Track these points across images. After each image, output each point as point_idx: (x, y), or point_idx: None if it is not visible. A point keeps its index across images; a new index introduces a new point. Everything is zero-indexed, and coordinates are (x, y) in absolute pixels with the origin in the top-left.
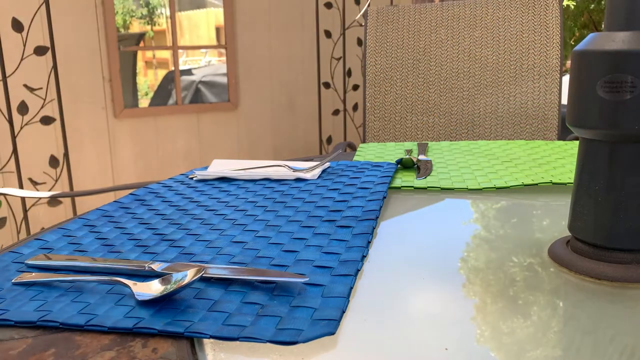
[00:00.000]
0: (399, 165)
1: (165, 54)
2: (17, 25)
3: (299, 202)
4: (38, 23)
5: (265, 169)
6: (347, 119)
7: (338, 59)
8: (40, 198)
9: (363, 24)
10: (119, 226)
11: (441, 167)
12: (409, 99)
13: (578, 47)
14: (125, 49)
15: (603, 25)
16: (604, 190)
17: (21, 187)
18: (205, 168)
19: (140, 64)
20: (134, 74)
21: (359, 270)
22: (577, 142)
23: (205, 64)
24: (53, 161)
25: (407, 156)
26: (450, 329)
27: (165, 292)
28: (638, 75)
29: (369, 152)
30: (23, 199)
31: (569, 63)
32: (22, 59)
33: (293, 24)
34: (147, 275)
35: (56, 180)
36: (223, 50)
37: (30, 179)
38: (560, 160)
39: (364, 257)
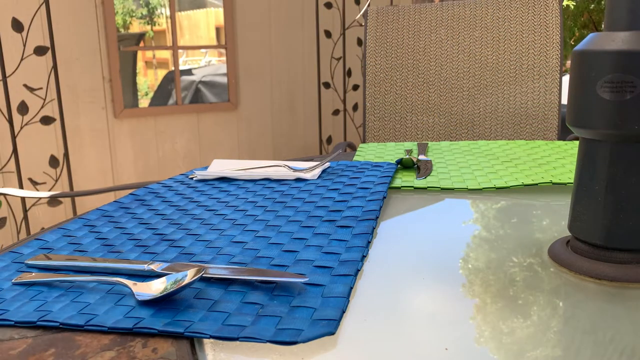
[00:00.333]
0: (399, 165)
1: (165, 54)
2: (17, 25)
3: (299, 202)
4: (38, 23)
5: (265, 169)
6: (347, 119)
7: (338, 59)
8: (40, 198)
9: (363, 24)
10: (119, 226)
11: (441, 167)
12: (409, 99)
13: (578, 47)
14: (125, 49)
15: (603, 25)
16: (604, 190)
17: (21, 187)
18: (205, 168)
19: (140, 64)
20: (134, 74)
21: (359, 270)
22: (577, 142)
23: (205, 64)
24: (53, 161)
25: (407, 156)
26: (450, 329)
27: (165, 292)
28: (638, 75)
29: (369, 152)
30: (23, 199)
31: (569, 63)
32: (22, 59)
33: (293, 24)
34: (147, 275)
35: (56, 180)
36: (223, 50)
37: (30, 179)
38: (560, 160)
39: (364, 257)
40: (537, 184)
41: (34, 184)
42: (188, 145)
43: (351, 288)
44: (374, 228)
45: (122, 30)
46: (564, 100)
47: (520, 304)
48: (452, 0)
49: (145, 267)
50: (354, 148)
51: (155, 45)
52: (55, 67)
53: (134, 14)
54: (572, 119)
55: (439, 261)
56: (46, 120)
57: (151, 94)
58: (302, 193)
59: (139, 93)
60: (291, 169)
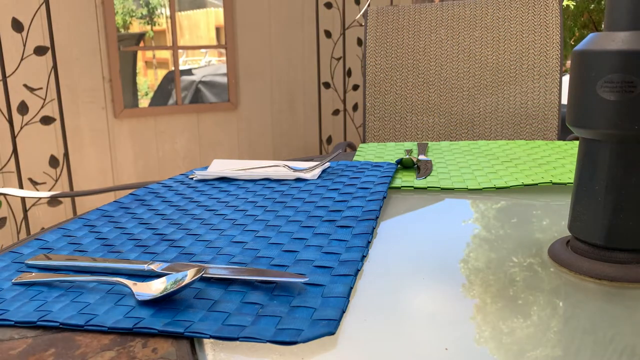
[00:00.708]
0: (399, 165)
1: (165, 54)
2: (17, 25)
3: (299, 202)
4: (38, 23)
5: (265, 169)
6: (347, 119)
7: (338, 59)
8: (40, 198)
9: (363, 24)
10: (119, 226)
11: (441, 167)
12: (409, 99)
13: (578, 47)
14: (125, 49)
15: (603, 25)
16: (604, 190)
17: (21, 187)
18: (205, 168)
19: (140, 64)
20: (134, 74)
21: (359, 270)
22: (577, 142)
23: (205, 64)
24: (53, 161)
25: (407, 156)
26: (450, 329)
27: (165, 292)
28: (638, 75)
29: (369, 152)
30: (23, 199)
31: (569, 63)
32: (22, 59)
33: (293, 24)
34: (147, 275)
35: (56, 180)
36: (223, 50)
37: (30, 179)
38: (560, 160)
39: (364, 257)
40: (537, 184)
41: (34, 184)
42: (188, 145)
43: (351, 288)
44: (374, 228)
45: (122, 30)
46: (564, 100)
47: (520, 304)
48: (452, 0)
49: (145, 267)
50: (354, 148)
51: (155, 45)
52: (55, 67)
53: (134, 14)
54: (572, 119)
55: (439, 261)
56: (46, 120)
57: (151, 94)
58: (302, 193)
59: (139, 93)
60: (291, 169)
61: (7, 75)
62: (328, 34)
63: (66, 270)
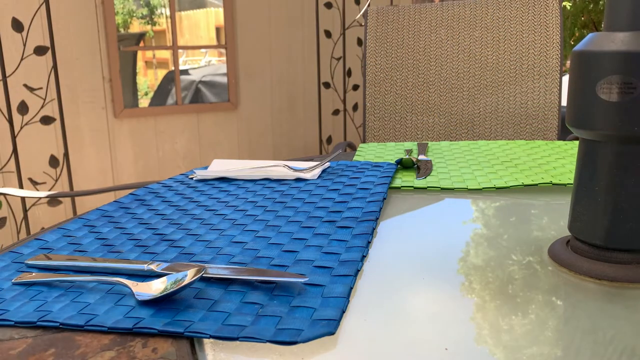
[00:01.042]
0: (399, 165)
1: (165, 54)
2: (17, 25)
3: (299, 202)
4: (38, 23)
5: (265, 169)
6: (347, 119)
7: (338, 59)
8: (40, 198)
9: (363, 24)
10: (119, 226)
11: (441, 167)
12: (409, 99)
13: (577, 47)
14: (125, 49)
15: (602, 26)
16: (604, 191)
17: (21, 187)
18: (205, 168)
19: (140, 64)
20: (134, 74)
21: (359, 271)
22: (577, 142)
23: (205, 64)
24: (53, 161)
25: (407, 156)
26: (450, 328)
27: (165, 292)
28: (637, 76)
29: (369, 152)
30: (23, 199)
31: (569, 63)
32: (22, 59)
33: (293, 24)
34: (147, 275)
35: (56, 180)
36: (223, 50)
37: (30, 179)
38: (560, 160)
39: (364, 257)
40: (537, 185)
41: (34, 183)
42: (188, 145)
43: (351, 288)
44: (374, 229)
45: (122, 30)
46: (564, 100)
47: (520, 304)
48: (452, 0)
49: (145, 267)
50: (354, 148)
51: (155, 45)
52: (55, 67)
53: (134, 14)
54: (572, 119)
55: (439, 261)
56: (46, 120)
57: (151, 94)
58: (302, 193)
59: (139, 93)
60: (291, 169)
61: (7, 75)
62: (328, 34)
63: (66, 270)
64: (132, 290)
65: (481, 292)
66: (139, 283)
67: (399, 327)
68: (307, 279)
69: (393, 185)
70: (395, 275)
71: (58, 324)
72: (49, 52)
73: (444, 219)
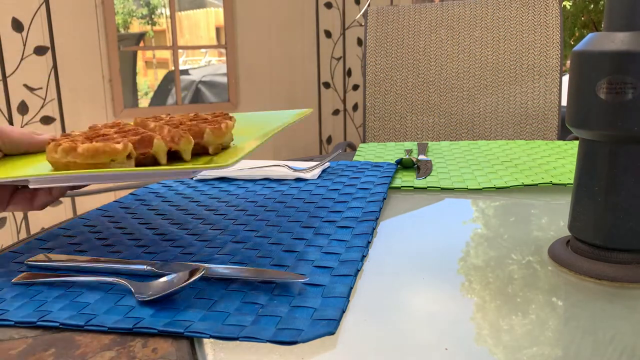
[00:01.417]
0: (399, 165)
1: (165, 54)
2: (17, 25)
3: (299, 202)
4: (38, 23)
5: (265, 169)
6: (347, 119)
7: (338, 59)
8: None
9: (363, 24)
10: (119, 226)
11: (441, 167)
12: (409, 99)
13: (577, 47)
14: (125, 49)
15: (602, 25)
16: (604, 191)
17: None
18: None
19: (140, 64)
20: (134, 74)
21: (359, 270)
22: (577, 142)
23: (205, 64)
24: None
25: (407, 156)
26: (450, 328)
27: (165, 292)
28: (637, 76)
29: (369, 152)
30: None
31: (569, 63)
32: (22, 59)
33: (293, 24)
34: (147, 275)
35: None
36: (223, 50)
37: None
38: (560, 160)
39: (364, 257)
40: (537, 185)
41: None
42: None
43: (351, 288)
44: (374, 228)
45: (122, 30)
46: (564, 100)
47: (519, 304)
48: (452, 0)
49: (145, 267)
50: (354, 148)
51: (155, 45)
52: (55, 67)
53: (134, 14)
54: (572, 119)
55: (439, 261)
56: (46, 120)
57: (151, 94)
58: (302, 193)
59: (139, 93)
60: (291, 169)
61: (7, 75)
62: (328, 34)
63: (66, 270)
64: (132, 290)
65: (481, 292)
66: (139, 283)
67: (399, 327)
68: (307, 278)
69: (393, 185)
70: (395, 275)
71: (58, 324)
72: (49, 52)
73: (444, 219)
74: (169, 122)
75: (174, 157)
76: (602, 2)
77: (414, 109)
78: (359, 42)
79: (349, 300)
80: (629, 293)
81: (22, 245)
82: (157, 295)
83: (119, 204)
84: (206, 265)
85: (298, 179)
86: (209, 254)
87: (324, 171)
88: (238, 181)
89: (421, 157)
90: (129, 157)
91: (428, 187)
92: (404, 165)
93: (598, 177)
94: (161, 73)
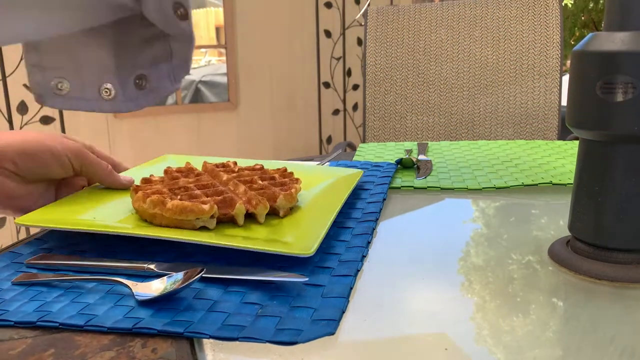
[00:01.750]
0: (399, 165)
1: None
2: None
3: None
4: None
5: None
6: (347, 118)
7: (338, 59)
8: None
9: (363, 23)
10: None
11: (441, 167)
12: (409, 98)
13: (577, 47)
14: None
15: (602, 25)
16: (604, 191)
17: None
18: None
19: None
20: None
21: (358, 271)
22: (577, 142)
23: (205, 64)
24: None
25: (407, 156)
26: (450, 328)
27: (165, 292)
28: (637, 76)
29: (369, 152)
30: None
31: (569, 63)
32: (21, 59)
33: (293, 24)
34: (146, 275)
35: None
36: (223, 50)
37: None
38: (561, 160)
39: (363, 257)
40: (537, 185)
41: None
42: (188, 145)
43: (351, 288)
44: (374, 228)
45: None
46: (564, 100)
47: (520, 304)
48: (452, 0)
49: (145, 267)
50: (354, 148)
51: None
52: None
53: None
54: (572, 119)
55: (439, 261)
56: (46, 120)
57: None
58: None
59: None
60: None
61: (6, 75)
62: (328, 33)
63: (66, 270)
64: (131, 291)
65: (481, 292)
66: (138, 283)
67: (399, 327)
68: (307, 279)
69: (393, 185)
70: (395, 275)
71: (58, 324)
72: None
73: (444, 219)
74: (240, 178)
75: (248, 216)
76: (602, 2)
77: (414, 108)
78: (359, 42)
79: (348, 301)
80: (629, 293)
81: (22, 245)
82: (157, 296)
83: None
84: (206, 265)
85: None
86: (208, 254)
87: None
88: None
89: (421, 157)
90: (212, 216)
91: (428, 187)
92: (404, 165)
93: (598, 178)
94: None
